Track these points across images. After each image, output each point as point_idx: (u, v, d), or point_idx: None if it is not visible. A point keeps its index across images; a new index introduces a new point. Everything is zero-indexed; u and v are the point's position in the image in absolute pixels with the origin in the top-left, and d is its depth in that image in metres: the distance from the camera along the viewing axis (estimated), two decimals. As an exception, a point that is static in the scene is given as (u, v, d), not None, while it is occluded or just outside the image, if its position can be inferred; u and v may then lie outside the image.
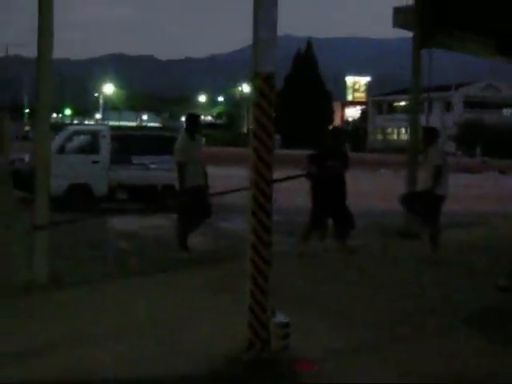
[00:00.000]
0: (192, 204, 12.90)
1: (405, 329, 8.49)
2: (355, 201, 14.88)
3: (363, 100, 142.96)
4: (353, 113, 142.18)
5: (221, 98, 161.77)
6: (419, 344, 7.92)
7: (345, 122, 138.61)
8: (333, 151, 13.45)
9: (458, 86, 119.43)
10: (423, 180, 12.86)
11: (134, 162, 20.66)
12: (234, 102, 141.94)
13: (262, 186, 6.84)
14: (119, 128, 33.01)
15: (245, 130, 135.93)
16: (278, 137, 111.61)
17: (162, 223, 17.90)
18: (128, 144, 20.89)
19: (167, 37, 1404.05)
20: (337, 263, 12.70)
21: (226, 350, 7.12)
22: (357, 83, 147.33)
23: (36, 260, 9.77)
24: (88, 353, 7.30)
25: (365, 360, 7.35)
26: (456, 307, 9.56)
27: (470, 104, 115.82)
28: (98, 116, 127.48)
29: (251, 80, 6.88)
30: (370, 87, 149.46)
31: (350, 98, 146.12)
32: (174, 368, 6.97)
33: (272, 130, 6.86)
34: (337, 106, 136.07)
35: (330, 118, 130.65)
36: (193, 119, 13.69)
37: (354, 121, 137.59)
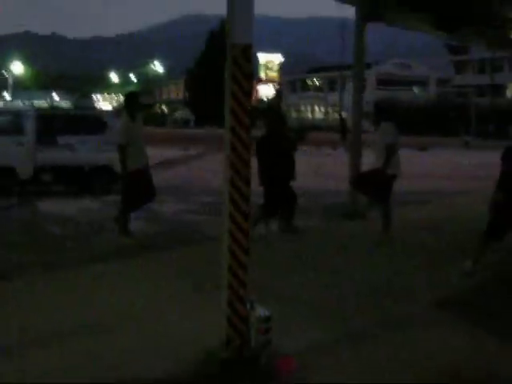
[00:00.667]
0: (136, 186, 12.29)
1: (380, 318, 8.02)
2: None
3: (276, 79, 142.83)
4: (267, 91, 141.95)
5: (133, 77, 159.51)
6: (399, 333, 7.49)
7: (259, 100, 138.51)
8: (279, 133, 13.02)
9: (371, 64, 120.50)
10: (375, 158, 12.37)
11: (60, 142, 19.73)
12: (147, 81, 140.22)
13: (239, 168, 6.28)
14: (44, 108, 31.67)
15: (159, 109, 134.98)
16: (191, 117, 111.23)
17: (93, 206, 17.21)
18: (53, 124, 19.92)
19: (75, 15, 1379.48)
20: (288, 246, 12.16)
21: (200, 346, 6.54)
22: (270, 62, 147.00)
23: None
24: (49, 353, 6.67)
25: (349, 354, 6.87)
26: (422, 291, 9.18)
27: (382, 82, 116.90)
28: (6, 95, 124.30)
29: (227, 52, 6.29)
30: (282, 66, 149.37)
31: (263, 75, 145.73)
32: (146, 368, 6.38)
33: (249, 105, 6.30)
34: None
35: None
36: (132, 98, 13.05)
37: (268, 99, 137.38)
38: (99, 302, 8.41)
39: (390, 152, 11.98)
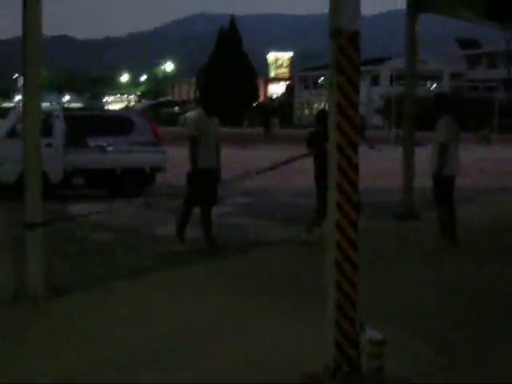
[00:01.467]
0: (201, 187, 11.37)
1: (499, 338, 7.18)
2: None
3: (287, 76, 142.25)
4: (276, 89, 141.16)
5: (143, 77, 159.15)
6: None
7: (268, 98, 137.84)
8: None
9: (385, 60, 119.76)
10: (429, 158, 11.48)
11: (90, 144, 19.02)
12: (158, 80, 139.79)
13: (349, 173, 5.53)
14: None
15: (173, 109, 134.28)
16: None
17: (132, 211, 16.42)
18: (83, 125, 19.18)
19: (84, 16, 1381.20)
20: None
21: (300, 371, 5.78)
22: (279, 59, 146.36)
23: (30, 265, 8.19)
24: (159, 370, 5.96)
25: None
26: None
27: (396, 77, 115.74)
28: (18, 97, 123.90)
29: (331, 40, 5.54)
30: (293, 63, 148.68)
31: (272, 74, 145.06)
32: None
33: (358, 101, 5.54)
34: (260, 83, 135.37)
35: (254, 95, 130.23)
36: (210, 93, 12.37)
37: (279, 97, 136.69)
38: (174, 316, 7.68)
39: (443, 151, 11.09)
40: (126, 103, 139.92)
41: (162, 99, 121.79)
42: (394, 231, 13.33)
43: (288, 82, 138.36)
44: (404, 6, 14.01)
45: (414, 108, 14.51)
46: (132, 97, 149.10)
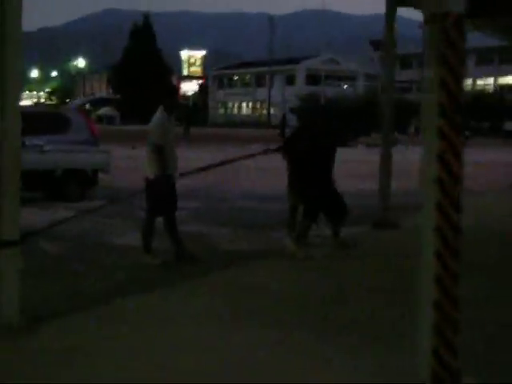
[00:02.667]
0: (167, 197, 10.29)
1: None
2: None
3: (199, 74, 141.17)
4: (189, 87, 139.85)
5: (54, 73, 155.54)
6: None
7: (181, 96, 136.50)
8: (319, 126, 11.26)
9: (300, 60, 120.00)
10: None
11: (27, 143, 17.49)
12: (70, 77, 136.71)
13: (453, 175, 4.44)
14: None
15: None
16: (115, 113, 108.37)
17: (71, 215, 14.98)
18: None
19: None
20: (360, 268, 10.30)
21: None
22: (192, 57, 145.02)
23: (4, 291, 6.87)
24: None
25: None
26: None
27: (311, 77, 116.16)
28: None
29: (428, 24, 4.46)
30: (205, 61, 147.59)
31: (185, 72, 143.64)
32: None
33: (462, 96, 4.47)
34: (173, 80, 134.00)
35: (168, 92, 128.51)
36: (173, 93, 11.16)
37: (194, 95, 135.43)
38: (185, 350, 6.47)
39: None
40: (35, 100, 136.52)
41: (96, 96, 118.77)
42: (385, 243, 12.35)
43: (201, 81, 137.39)
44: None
45: (392, 111, 13.55)
46: (41, 94, 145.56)
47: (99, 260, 10.57)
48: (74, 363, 6.11)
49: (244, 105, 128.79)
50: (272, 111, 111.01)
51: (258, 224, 14.02)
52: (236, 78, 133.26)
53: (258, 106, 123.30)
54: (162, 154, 10.08)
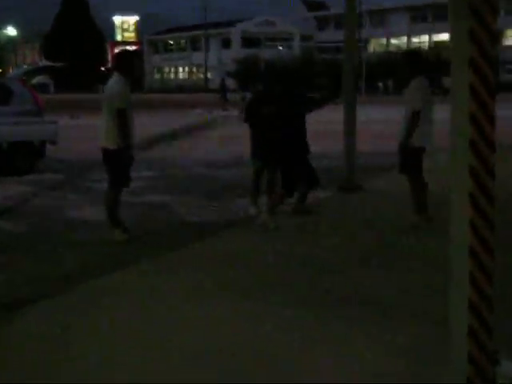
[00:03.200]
0: (125, 166, 9.72)
1: None
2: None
3: (134, 40, 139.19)
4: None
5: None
6: None
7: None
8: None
9: (236, 22, 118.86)
10: (402, 125, 10.02)
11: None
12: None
13: (486, 137, 4.06)
14: None
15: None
16: (49, 81, 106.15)
17: (26, 190, 14.38)
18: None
19: None
20: (335, 235, 9.84)
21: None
22: (125, 23, 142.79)
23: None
24: None
25: None
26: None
27: (247, 40, 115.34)
28: None
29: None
30: (139, 26, 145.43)
31: (119, 38, 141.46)
32: None
33: (494, 80, 4.06)
34: (107, 47, 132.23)
35: (102, 58, 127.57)
36: (130, 57, 10.40)
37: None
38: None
39: (414, 120, 9.62)
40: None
41: (41, 64, 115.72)
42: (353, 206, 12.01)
43: (136, 47, 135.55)
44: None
45: (354, 69, 13.15)
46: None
47: (66, 237, 9.99)
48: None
49: (180, 69, 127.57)
50: (209, 75, 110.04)
51: (220, 192, 13.56)
52: (171, 42, 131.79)
53: (195, 70, 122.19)
54: (125, 120, 9.47)
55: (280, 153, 10.38)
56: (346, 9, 12.97)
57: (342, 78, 13.06)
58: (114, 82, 9.74)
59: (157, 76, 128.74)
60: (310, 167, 10.87)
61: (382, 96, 71.37)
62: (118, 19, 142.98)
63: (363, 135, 15.81)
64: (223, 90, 55.31)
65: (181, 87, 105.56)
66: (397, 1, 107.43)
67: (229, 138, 23.45)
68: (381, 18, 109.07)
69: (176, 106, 49.81)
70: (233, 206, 12.14)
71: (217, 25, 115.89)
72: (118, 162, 9.61)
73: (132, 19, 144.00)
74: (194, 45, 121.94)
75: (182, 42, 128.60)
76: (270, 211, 10.32)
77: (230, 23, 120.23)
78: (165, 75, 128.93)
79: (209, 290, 7.15)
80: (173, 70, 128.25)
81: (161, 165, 17.82)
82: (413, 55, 10.55)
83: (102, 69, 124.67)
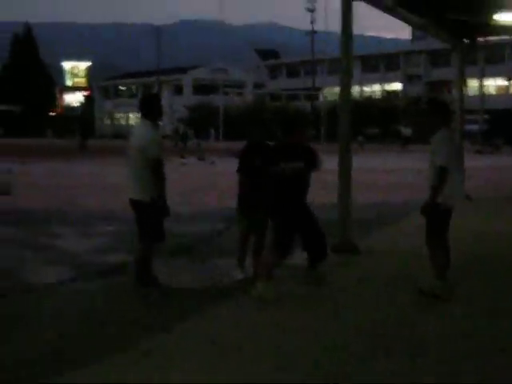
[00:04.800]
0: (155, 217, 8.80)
1: None
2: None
3: (84, 85, 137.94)
4: (74, 98, 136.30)
5: None
6: None
7: (65, 107, 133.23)
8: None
9: (188, 69, 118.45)
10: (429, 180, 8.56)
11: None
12: None
13: None
14: None
15: None
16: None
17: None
18: None
19: None
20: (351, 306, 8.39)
21: None
22: (75, 68, 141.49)
23: None
24: None
25: None
26: None
27: (199, 87, 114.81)
28: None
29: None
30: (90, 72, 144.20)
31: (69, 83, 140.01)
32: None
33: None
34: (56, 91, 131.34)
35: (52, 103, 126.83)
36: (156, 100, 9.17)
37: (80, 107, 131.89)
38: None
39: (442, 177, 8.28)
40: None
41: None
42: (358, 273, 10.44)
43: (86, 93, 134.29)
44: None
45: (349, 117, 11.63)
46: None
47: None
48: None
49: (132, 116, 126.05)
50: (160, 122, 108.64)
51: (195, 251, 11.96)
52: (123, 88, 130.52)
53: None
54: (162, 169, 8.70)
55: (284, 212, 8.84)
56: (341, 52, 11.61)
57: (338, 124, 11.60)
58: (144, 129, 8.75)
59: (108, 122, 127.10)
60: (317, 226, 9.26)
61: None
62: (67, 64, 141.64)
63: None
64: (184, 137, 53.57)
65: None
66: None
67: (194, 189, 22.08)
68: (334, 67, 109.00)
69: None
70: (215, 268, 10.57)
71: (169, 71, 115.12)
72: (152, 215, 8.70)
73: (83, 64, 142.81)
74: (146, 91, 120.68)
75: (134, 87, 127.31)
76: (266, 277, 8.73)
77: (183, 70, 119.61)
78: (116, 121, 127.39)
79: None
80: (124, 115, 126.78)
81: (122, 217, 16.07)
82: (440, 104, 9.11)
83: (51, 114, 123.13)
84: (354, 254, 11.26)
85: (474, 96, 72.12)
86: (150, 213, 8.66)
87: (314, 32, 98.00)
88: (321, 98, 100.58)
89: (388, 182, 26.29)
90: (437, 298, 8.44)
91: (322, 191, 14.20)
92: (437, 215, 8.38)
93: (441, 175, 8.24)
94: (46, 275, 10.05)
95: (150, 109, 8.85)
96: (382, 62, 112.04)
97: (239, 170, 9.75)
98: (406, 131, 62.59)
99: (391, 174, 31.46)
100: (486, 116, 74.27)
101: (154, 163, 8.56)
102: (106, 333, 7.28)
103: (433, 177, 8.30)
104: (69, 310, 8.20)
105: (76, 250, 12.10)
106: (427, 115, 8.73)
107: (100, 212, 16.75)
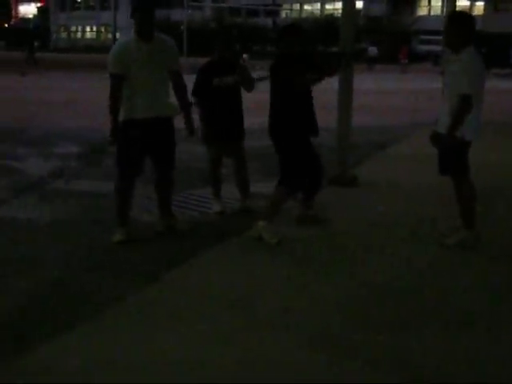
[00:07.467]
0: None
1: None
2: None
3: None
4: (28, 10, 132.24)
5: None
6: None
7: (21, 19, 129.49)
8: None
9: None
10: (444, 112, 7.22)
11: None
12: None
13: None
14: None
15: None
16: None
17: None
18: None
19: None
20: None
21: None
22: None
23: None
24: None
25: None
26: None
27: (157, 0, 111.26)
28: None
29: None
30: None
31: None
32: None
33: None
34: (11, 2, 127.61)
35: (8, 15, 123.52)
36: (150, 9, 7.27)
37: (33, 19, 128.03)
38: None
39: (464, 107, 6.84)
40: None
41: None
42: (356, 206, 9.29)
43: (40, 4, 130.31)
44: None
45: (353, 31, 10.27)
46: None
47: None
48: None
49: (88, 29, 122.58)
50: (118, 36, 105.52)
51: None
52: (79, 0, 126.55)
53: (103, 30, 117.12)
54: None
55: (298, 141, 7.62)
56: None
57: (339, 45, 10.24)
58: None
59: (63, 35, 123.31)
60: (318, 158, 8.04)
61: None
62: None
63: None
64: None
65: (87, 47, 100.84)
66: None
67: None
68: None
69: (88, 66, 46.23)
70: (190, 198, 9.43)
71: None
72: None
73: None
74: (103, 3, 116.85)
75: (91, 0, 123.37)
76: (268, 218, 7.55)
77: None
78: (72, 34, 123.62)
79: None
80: (80, 28, 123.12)
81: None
82: (467, 17, 7.65)
83: (6, 25, 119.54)
84: (353, 187, 10.14)
85: (437, 16, 70.62)
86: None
87: None
88: (282, 15, 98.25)
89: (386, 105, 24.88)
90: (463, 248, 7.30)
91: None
92: (454, 148, 7.14)
93: (464, 104, 6.92)
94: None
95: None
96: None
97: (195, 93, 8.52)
98: (372, 51, 60.63)
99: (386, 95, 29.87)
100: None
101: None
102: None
103: (454, 105, 6.98)
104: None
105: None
106: (451, 31, 7.27)
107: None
